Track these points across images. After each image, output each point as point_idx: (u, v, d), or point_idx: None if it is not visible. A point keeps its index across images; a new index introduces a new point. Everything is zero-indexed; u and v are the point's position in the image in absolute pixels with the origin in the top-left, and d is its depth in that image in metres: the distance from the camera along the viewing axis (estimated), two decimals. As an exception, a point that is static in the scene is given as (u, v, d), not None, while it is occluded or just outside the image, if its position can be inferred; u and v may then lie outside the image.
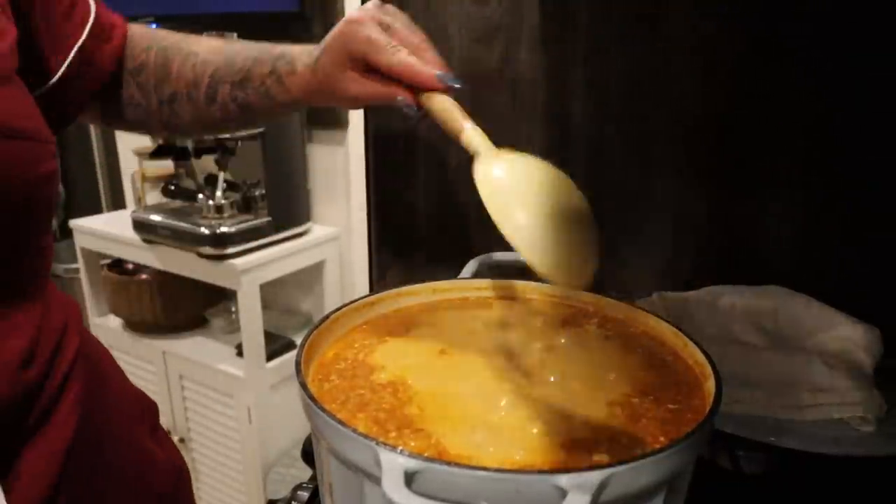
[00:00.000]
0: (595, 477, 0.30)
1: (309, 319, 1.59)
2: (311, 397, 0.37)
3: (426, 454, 0.35)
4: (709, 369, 0.42)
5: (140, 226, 1.41)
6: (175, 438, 1.49)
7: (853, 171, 0.77)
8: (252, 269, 1.32)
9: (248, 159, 1.40)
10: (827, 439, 0.58)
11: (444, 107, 0.46)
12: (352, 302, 0.52)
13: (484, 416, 0.39)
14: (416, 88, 0.47)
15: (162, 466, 0.56)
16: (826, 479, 0.58)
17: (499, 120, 1.02)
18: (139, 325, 1.55)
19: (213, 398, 1.42)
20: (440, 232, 1.16)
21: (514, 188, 0.42)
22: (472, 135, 0.45)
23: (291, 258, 1.40)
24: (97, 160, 2.44)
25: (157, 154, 1.49)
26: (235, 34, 1.15)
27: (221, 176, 1.39)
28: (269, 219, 1.37)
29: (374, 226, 1.27)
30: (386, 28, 0.47)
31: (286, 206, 1.40)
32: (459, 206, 1.11)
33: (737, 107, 0.84)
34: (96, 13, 0.54)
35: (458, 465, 0.31)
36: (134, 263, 1.53)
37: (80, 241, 1.57)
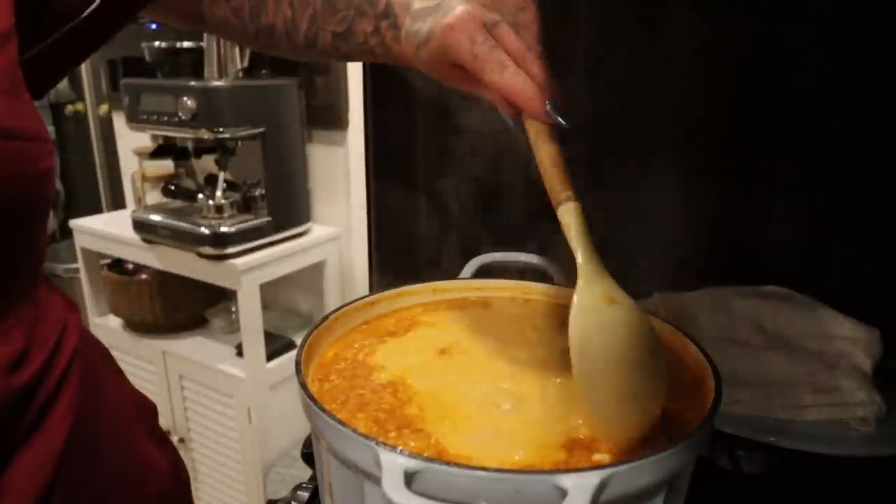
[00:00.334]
0: (595, 477, 0.30)
1: (309, 319, 1.59)
2: (311, 397, 0.37)
3: (426, 454, 0.35)
4: (709, 369, 0.42)
5: (140, 226, 1.41)
6: (175, 438, 1.50)
7: (853, 172, 0.77)
8: (252, 269, 1.32)
9: (248, 159, 1.41)
10: (827, 439, 0.58)
11: (545, 166, 0.42)
12: (352, 302, 0.51)
13: (484, 416, 0.39)
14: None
15: (160, 467, 0.56)
16: (826, 479, 0.58)
17: (499, 121, 1.02)
18: (139, 325, 1.55)
19: (213, 398, 1.42)
20: (440, 232, 1.16)
21: (605, 357, 0.38)
22: (577, 245, 0.40)
23: (291, 258, 1.40)
24: (97, 160, 2.44)
25: (157, 154, 1.49)
26: None
27: (221, 176, 1.39)
28: (269, 219, 1.37)
29: (374, 226, 1.27)
30: (492, 27, 0.43)
31: (286, 206, 1.40)
32: (459, 206, 1.11)
33: (737, 108, 0.84)
34: None
35: (457, 465, 0.31)
36: (134, 263, 1.53)
37: (79, 241, 1.57)
